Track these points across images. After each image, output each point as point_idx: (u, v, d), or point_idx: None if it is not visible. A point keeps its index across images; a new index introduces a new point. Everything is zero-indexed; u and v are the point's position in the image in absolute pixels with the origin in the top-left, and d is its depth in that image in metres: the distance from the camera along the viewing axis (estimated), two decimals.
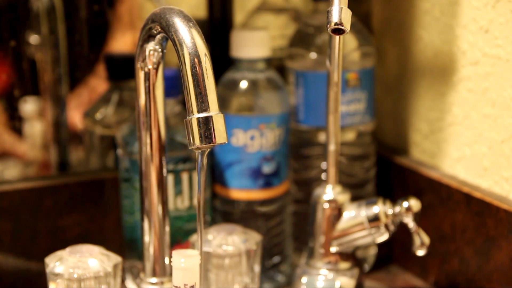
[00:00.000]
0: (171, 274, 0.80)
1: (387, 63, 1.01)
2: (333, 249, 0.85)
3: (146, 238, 0.79)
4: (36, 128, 0.96)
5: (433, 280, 0.92)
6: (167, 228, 0.80)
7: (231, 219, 0.90)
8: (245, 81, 0.89)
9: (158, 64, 0.76)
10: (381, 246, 0.94)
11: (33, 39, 0.94)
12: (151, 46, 0.75)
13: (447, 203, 0.89)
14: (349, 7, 0.70)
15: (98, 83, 0.98)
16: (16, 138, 0.96)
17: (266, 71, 0.90)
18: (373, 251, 0.96)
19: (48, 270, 0.76)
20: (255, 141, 0.88)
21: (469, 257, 0.86)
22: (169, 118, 0.87)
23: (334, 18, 0.69)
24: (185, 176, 0.87)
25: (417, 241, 0.83)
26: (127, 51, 0.98)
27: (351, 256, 0.86)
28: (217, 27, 0.97)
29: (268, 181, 0.90)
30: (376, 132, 0.97)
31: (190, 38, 0.67)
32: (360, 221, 0.84)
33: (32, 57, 0.95)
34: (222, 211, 0.91)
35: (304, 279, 0.86)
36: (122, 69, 0.97)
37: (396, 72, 1.00)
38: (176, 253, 0.71)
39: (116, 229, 0.92)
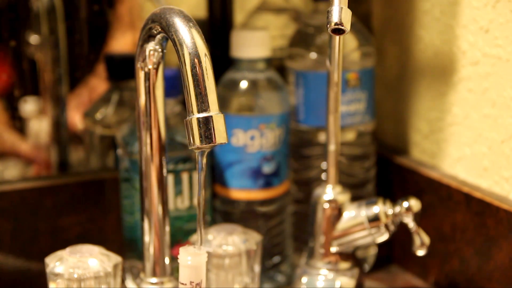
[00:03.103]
0: (171, 274, 0.80)
1: (387, 63, 1.01)
2: (333, 249, 0.85)
3: (146, 238, 0.79)
4: (36, 128, 0.96)
5: (433, 280, 0.92)
6: (167, 228, 0.80)
7: (231, 219, 0.90)
8: (245, 81, 0.89)
9: (158, 64, 0.76)
10: (381, 246, 0.94)
11: (33, 39, 0.94)
12: (151, 46, 0.75)
13: (447, 203, 0.89)
14: (349, 7, 0.70)
15: (98, 83, 0.98)
16: (17, 138, 0.96)
17: (266, 71, 0.90)
18: (373, 251, 0.96)
19: (48, 270, 0.76)
20: (255, 141, 0.88)
21: (469, 257, 0.86)
22: (169, 118, 0.87)
23: (334, 18, 0.69)
24: (185, 176, 0.87)
25: (417, 241, 0.83)
26: (127, 51, 0.98)
27: (351, 256, 0.86)
28: (217, 27, 0.97)
29: (268, 181, 0.90)
30: (376, 132, 0.97)
31: (190, 38, 0.67)
32: (360, 221, 0.84)
33: (32, 57, 0.95)
34: (222, 211, 0.91)
35: (304, 279, 0.86)
36: (122, 69, 0.97)
37: (396, 72, 1.00)
38: (183, 250, 0.71)
39: (116, 229, 0.92)
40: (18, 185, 0.90)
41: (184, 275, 0.71)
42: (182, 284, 0.71)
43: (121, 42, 0.99)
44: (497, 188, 0.85)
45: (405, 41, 0.98)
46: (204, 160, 0.69)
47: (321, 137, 0.92)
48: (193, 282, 0.71)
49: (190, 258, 0.70)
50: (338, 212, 0.84)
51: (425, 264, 0.93)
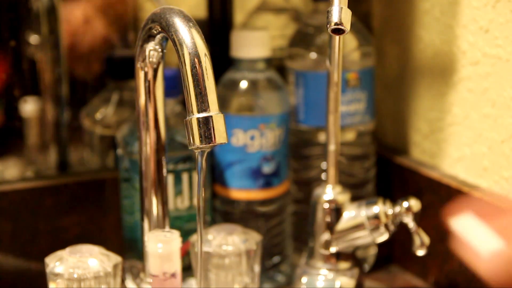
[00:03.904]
0: None
1: (387, 63, 1.01)
2: (333, 249, 0.85)
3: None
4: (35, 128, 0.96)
5: (433, 280, 0.92)
6: (167, 228, 0.80)
7: (231, 219, 0.90)
8: (245, 81, 0.89)
9: (158, 64, 0.76)
10: (381, 246, 0.94)
11: (33, 39, 0.94)
12: (151, 46, 0.75)
13: (447, 203, 0.89)
14: (349, 7, 0.70)
15: None
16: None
17: (266, 71, 0.90)
18: (373, 251, 0.96)
19: (48, 270, 0.76)
20: (255, 141, 0.88)
21: None
22: (169, 118, 0.87)
23: (334, 18, 0.69)
24: (185, 176, 0.87)
25: (417, 241, 0.83)
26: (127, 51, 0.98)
27: (351, 256, 0.86)
28: (217, 27, 0.97)
29: (268, 181, 0.90)
30: (376, 132, 0.97)
31: (190, 38, 0.67)
32: (360, 221, 0.84)
33: (32, 57, 0.95)
34: (222, 211, 0.91)
35: (304, 279, 0.86)
36: (122, 69, 0.97)
37: (396, 72, 1.00)
38: (152, 237, 0.61)
39: (116, 229, 0.92)
40: (18, 185, 0.90)
41: (155, 265, 0.60)
42: (154, 276, 0.60)
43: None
44: (497, 188, 0.85)
45: (405, 41, 0.98)
46: (204, 160, 0.69)
47: (321, 137, 0.92)
48: (166, 273, 0.60)
49: (160, 245, 0.60)
50: (338, 212, 0.84)
51: (425, 264, 0.93)
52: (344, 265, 0.85)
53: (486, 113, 0.86)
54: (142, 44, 0.75)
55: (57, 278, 0.75)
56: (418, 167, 0.94)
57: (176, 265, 0.59)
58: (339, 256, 0.85)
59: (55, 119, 0.96)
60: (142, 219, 0.80)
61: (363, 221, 0.83)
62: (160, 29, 0.72)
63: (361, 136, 0.94)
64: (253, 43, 0.89)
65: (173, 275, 0.58)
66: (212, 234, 0.82)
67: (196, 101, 0.66)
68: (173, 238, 0.59)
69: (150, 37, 0.74)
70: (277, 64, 0.95)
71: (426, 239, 0.83)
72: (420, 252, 0.83)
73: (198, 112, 0.66)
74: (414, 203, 0.82)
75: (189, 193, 0.88)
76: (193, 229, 0.87)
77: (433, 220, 0.90)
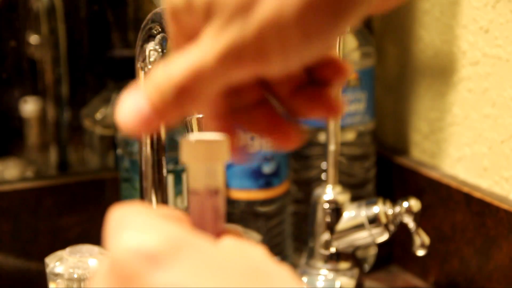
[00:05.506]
0: None
1: (387, 63, 1.01)
2: (333, 249, 0.85)
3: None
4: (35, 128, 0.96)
5: (433, 280, 0.92)
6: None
7: (231, 219, 0.90)
8: None
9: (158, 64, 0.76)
10: (381, 246, 0.94)
11: (33, 39, 0.94)
12: (151, 46, 0.75)
13: (447, 203, 0.89)
14: None
15: None
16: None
17: None
18: (373, 251, 0.96)
19: (48, 270, 0.76)
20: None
21: (469, 257, 0.86)
22: None
23: None
24: (185, 176, 0.87)
25: (417, 241, 0.83)
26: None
27: (351, 256, 0.86)
28: None
29: (268, 181, 0.90)
30: (376, 132, 0.97)
31: None
32: (360, 221, 0.84)
33: (32, 57, 0.95)
34: None
35: (304, 279, 0.86)
36: (122, 69, 0.97)
37: (396, 72, 1.00)
38: (196, 140, 0.46)
39: None
40: (18, 185, 0.90)
41: (196, 177, 0.44)
42: (194, 192, 0.45)
43: None
44: (497, 188, 0.85)
45: (405, 41, 0.98)
46: None
47: (321, 137, 0.92)
48: (210, 187, 0.45)
49: (206, 149, 0.46)
50: (338, 212, 0.84)
51: (425, 264, 0.93)
52: (344, 265, 0.85)
53: (486, 113, 0.86)
54: (142, 44, 0.75)
55: (57, 278, 0.75)
56: (418, 167, 0.94)
57: (219, 181, 0.46)
58: (339, 256, 0.85)
59: (55, 119, 0.96)
60: None
61: (363, 221, 0.83)
62: (160, 29, 0.72)
63: (361, 136, 0.94)
64: None
65: (215, 192, 0.46)
66: None
67: None
68: (220, 139, 0.47)
69: (150, 37, 0.74)
70: None
71: (426, 239, 0.83)
72: (420, 252, 0.83)
73: (198, 112, 0.66)
74: (414, 203, 0.82)
75: None
76: None
77: (433, 220, 0.90)
